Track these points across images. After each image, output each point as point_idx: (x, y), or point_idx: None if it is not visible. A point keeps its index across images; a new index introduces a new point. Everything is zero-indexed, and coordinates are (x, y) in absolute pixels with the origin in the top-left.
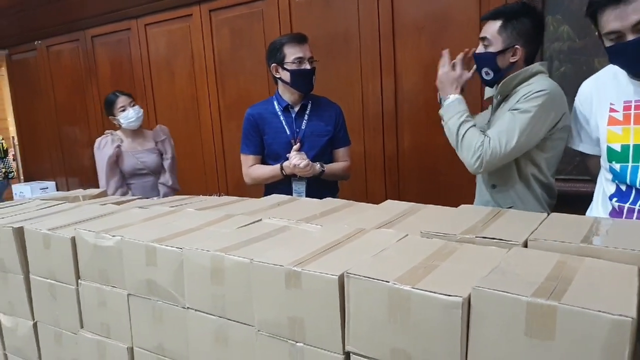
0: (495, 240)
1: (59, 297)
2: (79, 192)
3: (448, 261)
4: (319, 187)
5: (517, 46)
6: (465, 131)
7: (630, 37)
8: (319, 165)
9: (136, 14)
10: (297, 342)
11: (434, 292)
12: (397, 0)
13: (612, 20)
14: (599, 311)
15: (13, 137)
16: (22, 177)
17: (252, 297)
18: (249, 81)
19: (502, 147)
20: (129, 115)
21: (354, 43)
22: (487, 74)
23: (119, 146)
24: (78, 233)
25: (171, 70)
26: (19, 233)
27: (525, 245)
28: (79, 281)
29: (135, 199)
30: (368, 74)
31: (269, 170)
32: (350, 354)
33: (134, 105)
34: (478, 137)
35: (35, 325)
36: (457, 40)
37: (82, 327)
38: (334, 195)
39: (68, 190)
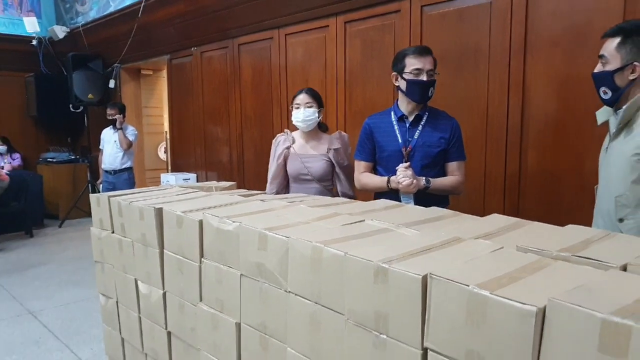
0: (591, 260)
1: (185, 272)
2: (213, 183)
3: (536, 275)
4: (428, 201)
5: (636, 63)
6: None
7: None
8: (424, 180)
9: (279, 24)
10: (380, 334)
11: (510, 300)
12: (532, 13)
13: None
14: None
15: (166, 132)
16: (169, 168)
17: (344, 287)
18: (375, 90)
19: None
20: (297, 114)
21: (483, 57)
22: (605, 93)
23: (288, 147)
24: (205, 217)
25: (305, 77)
26: (159, 213)
27: (625, 269)
28: (202, 259)
29: (260, 193)
30: (494, 88)
31: (377, 181)
32: (428, 350)
33: (310, 107)
34: None
35: (164, 295)
36: (596, 57)
37: (201, 300)
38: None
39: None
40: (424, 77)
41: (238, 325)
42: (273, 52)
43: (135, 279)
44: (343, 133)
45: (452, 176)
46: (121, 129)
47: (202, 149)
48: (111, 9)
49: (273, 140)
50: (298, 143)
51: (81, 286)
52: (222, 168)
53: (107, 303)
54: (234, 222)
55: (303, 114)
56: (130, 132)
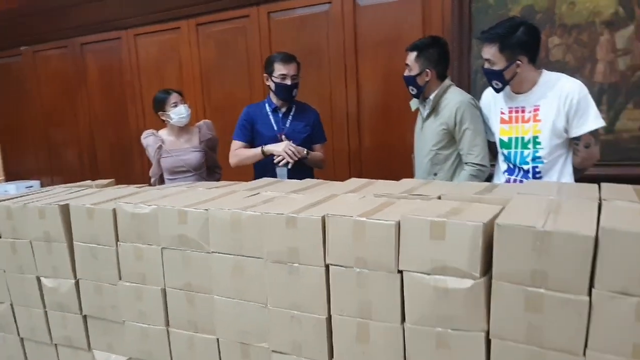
0: (420, 196)
1: (100, 257)
2: (89, 182)
3: (390, 207)
4: (298, 174)
5: (427, 70)
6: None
7: None
8: (305, 150)
9: (126, 25)
10: (294, 264)
11: (379, 220)
12: (358, 22)
13: None
14: (467, 221)
15: None
16: (1, 177)
17: (262, 238)
18: (234, 87)
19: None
20: (181, 110)
21: (324, 56)
22: (412, 90)
23: (160, 147)
24: (118, 205)
25: (161, 76)
26: (65, 209)
27: (439, 198)
28: (118, 243)
29: (146, 186)
30: (335, 82)
31: (252, 151)
32: (330, 265)
33: (184, 103)
34: (467, 176)
35: (77, 283)
36: (406, 55)
37: (120, 279)
38: None
39: None
40: (288, 82)
41: (163, 291)
42: (123, 52)
43: (37, 276)
44: (208, 122)
45: (319, 153)
46: None
47: (46, 153)
48: None
49: (143, 135)
50: (168, 140)
51: None
52: (72, 171)
53: None
54: (149, 205)
55: (185, 109)
56: None
